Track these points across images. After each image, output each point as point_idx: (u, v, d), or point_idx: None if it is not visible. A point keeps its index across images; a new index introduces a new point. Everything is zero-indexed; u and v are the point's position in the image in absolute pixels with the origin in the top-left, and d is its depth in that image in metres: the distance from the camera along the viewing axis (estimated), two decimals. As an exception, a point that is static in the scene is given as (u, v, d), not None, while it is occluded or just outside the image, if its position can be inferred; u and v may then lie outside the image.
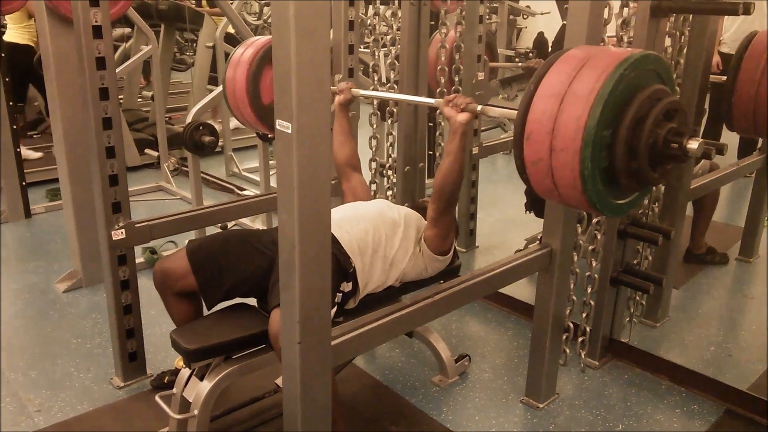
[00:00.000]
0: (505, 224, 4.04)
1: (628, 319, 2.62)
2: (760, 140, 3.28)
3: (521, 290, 2.88)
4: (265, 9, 7.04)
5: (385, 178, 3.03)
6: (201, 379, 1.87)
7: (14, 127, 3.87)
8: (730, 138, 2.93)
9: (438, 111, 3.26)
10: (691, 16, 2.35)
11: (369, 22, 2.99)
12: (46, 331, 2.76)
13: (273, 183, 3.60)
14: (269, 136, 3.25)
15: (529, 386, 2.33)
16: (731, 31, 4.29)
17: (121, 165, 2.18)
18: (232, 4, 4.69)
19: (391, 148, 2.98)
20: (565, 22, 3.06)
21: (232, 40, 5.39)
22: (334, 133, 2.39)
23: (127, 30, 5.76)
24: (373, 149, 2.94)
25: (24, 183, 3.96)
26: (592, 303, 2.37)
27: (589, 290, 2.34)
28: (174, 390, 1.95)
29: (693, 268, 3.33)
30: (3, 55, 3.90)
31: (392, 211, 2.13)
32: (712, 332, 2.81)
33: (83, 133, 2.22)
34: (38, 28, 3.00)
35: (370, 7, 3.02)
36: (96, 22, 2.03)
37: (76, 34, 2.03)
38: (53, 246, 3.63)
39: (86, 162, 2.24)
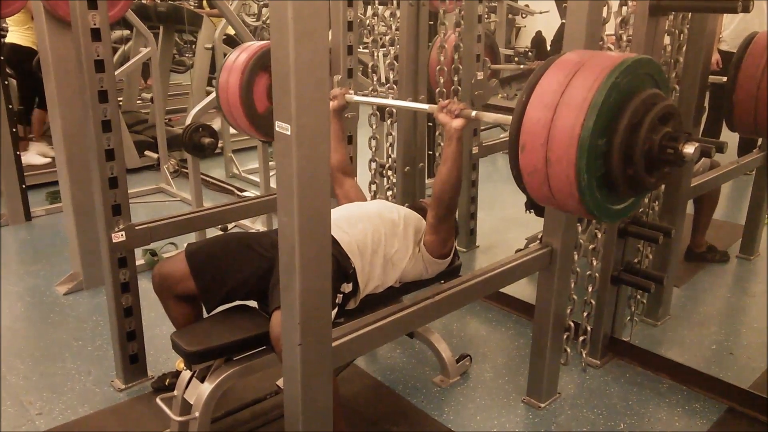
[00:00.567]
0: (505, 224, 4.04)
1: (629, 318, 2.62)
2: (760, 138, 3.28)
3: (522, 290, 2.88)
4: (264, 10, 7.04)
5: (385, 179, 3.03)
6: (202, 381, 1.87)
7: (14, 129, 3.86)
8: (730, 136, 2.93)
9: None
10: (690, 14, 2.35)
11: (368, 22, 2.98)
12: (46, 333, 2.76)
13: (273, 184, 3.59)
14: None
15: (530, 386, 2.33)
16: (730, 28, 4.29)
17: (120, 167, 2.18)
18: (230, 5, 4.69)
19: (390, 148, 2.98)
20: (564, 21, 3.06)
21: (231, 42, 5.39)
22: None
23: (126, 32, 5.76)
24: (373, 150, 2.94)
25: (24, 186, 3.96)
26: (593, 302, 2.37)
27: (589, 289, 2.34)
28: (175, 392, 1.95)
29: (694, 266, 3.33)
30: (2, 58, 3.90)
31: (391, 211, 2.12)
32: (713, 331, 2.81)
33: (83, 135, 2.22)
34: (37, 30, 3.00)
35: (369, 7, 3.02)
36: (94, 24, 2.03)
37: (75, 36, 2.03)
38: (53, 249, 3.63)
39: (86, 164, 2.24)
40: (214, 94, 3.58)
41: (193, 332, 1.91)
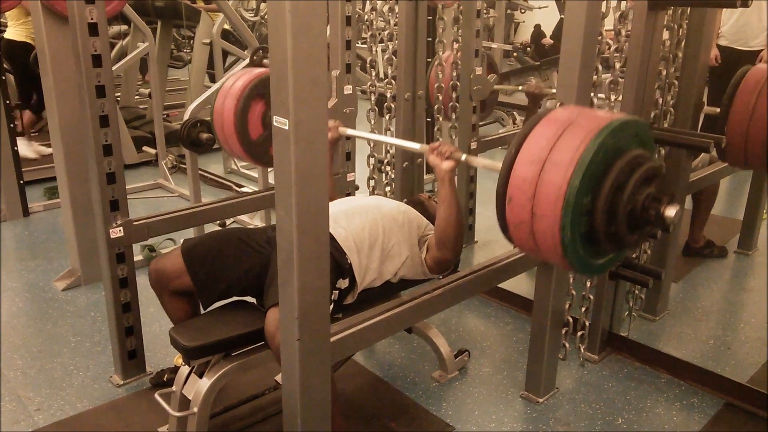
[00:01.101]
0: (503, 219, 4.03)
1: (627, 313, 2.62)
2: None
3: (520, 285, 2.88)
4: (262, 5, 7.03)
5: (384, 174, 3.03)
6: (200, 376, 1.87)
7: (12, 125, 3.85)
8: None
9: (436, 107, 3.28)
10: (689, 8, 2.34)
11: (366, 17, 2.98)
12: (45, 329, 2.76)
13: (271, 180, 3.59)
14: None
15: (528, 381, 2.33)
16: (729, 23, 4.28)
17: (118, 163, 2.17)
18: (228, 0, 4.67)
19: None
20: (563, 17, 3.05)
21: (229, 37, 5.37)
22: None
23: (124, 27, 5.74)
24: (372, 145, 2.94)
25: (22, 181, 3.95)
26: (591, 297, 2.37)
27: (588, 284, 2.34)
28: (173, 387, 1.95)
29: (692, 261, 3.33)
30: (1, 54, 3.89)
31: (390, 204, 2.12)
32: (711, 325, 2.81)
33: (80, 131, 2.22)
34: (34, 25, 2.98)
35: (367, 2, 3.01)
36: (92, 19, 2.02)
37: (72, 31, 2.02)
38: (51, 244, 3.63)
39: (84, 160, 2.24)
40: (212, 90, 3.59)
41: (191, 328, 1.91)
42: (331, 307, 1.81)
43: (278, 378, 1.61)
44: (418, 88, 3.06)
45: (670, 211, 1.47)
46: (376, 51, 3.15)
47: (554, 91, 3.07)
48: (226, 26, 5.21)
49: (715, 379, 2.32)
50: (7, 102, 3.83)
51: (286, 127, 1.27)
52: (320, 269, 1.42)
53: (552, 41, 7.45)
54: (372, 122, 2.91)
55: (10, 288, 3.13)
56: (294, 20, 1.21)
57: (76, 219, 3.10)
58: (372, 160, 2.96)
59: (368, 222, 2.00)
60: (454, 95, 3.27)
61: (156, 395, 1.95)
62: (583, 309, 2.37)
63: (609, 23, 2.02)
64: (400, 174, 3.04)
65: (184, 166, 4.18)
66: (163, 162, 4.67)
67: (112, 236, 2.19)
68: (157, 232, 2.37)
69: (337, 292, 1.87)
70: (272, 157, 1.36)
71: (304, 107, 1.26)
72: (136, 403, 2.27)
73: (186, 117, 3.35)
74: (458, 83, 3.24)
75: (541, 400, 2.29)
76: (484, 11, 3.46)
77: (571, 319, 2.29)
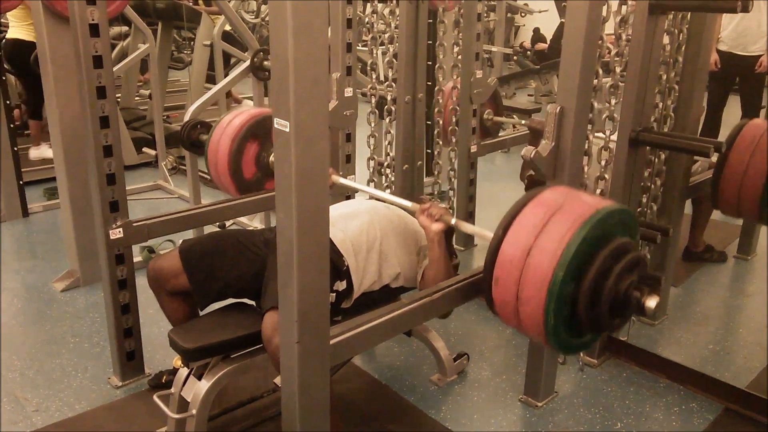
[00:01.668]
0: (503, 222, 4.02)
1: (626, 318, 2.62)
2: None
3: (520, 288, 2.87)
4: (263, 7, 7.03)
5: (384, 177, 3.03)
6: (199, 378, 1.87)
7: (12, 125, 3.85)
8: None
9: (436, 110, 3.28)
10: (689, 13, 2.35)
11: (367, 20, 2.98)
12: (43, 330, 2.75)
13: (271, 181, 3.58)
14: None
15: (527, 385, 2.33)
16: (729, 28, 4.29)
17: (118, 164, 2.17)
18: (229, 2, 4.68)
19: (389, 146, 2.98)
20: (563, 20, 3.06)
21: (230, 39, 5.37)
22: None
23: (125, 28, 5.75)
24: (372, 147, 2.94)
25: (21, 182, 3.95)
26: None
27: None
28: (172, 389, 1.94)
29: (691, 266, 3.33)
30: (1, 54, 3.88)
31: (388, 208, 2.13)
32: (710, 330, 2.81)
33: (80, 131, 2.22)
34: (35, 26, 2.99)
35: (368, 5, 3.02)
36: (93, 20, 2.02)
37: (73, 32, 2.02)
38: (51, 245, 3.62)
39: (84, 161, 2.24)
40: (212, 91, 3.59)
41: (190, 329, 1.90)
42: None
43: (277, 380, 1.60)
44: (418, 91, 3.06)
45: (651, 303, 1.51)
46: (377, 54, 3.15)
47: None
48: (227, 28, 5.22)
49: (714, 384, 2.31)
50: (8, 102, 3.83)
51: (287, 129, 1.27)
52: (320, 271, 1.42)
53: (545, 46, 7.47)
54: (372, 125, 2.91)
55: (9, 288, 3.13)
56: (295, 21, 1.21)
57: (75, 220, 3.09)
58: (372, 163, 2.96)
59: (366, 224, 2.00)
60: (453, 119, 3.32)
61: (155, 397, 1.94)
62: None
63: (609, 27, 2.02)
64: (400, 176, 3.04)
65: (184, 167, 4.17)
66: (163, 163, 4.66)
67: (111, 237, 2.18)
68: (157, 234, 2.37)
69: (335, 294, 1.87)
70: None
71: (304, 108, 1.26)
72: (134, 405, 2.26)
73: (186, 118, 3.35)
74: (458, 108, 3.29)
75: (540, 404, 2.28)
76: (485, 14, 3.46)
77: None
